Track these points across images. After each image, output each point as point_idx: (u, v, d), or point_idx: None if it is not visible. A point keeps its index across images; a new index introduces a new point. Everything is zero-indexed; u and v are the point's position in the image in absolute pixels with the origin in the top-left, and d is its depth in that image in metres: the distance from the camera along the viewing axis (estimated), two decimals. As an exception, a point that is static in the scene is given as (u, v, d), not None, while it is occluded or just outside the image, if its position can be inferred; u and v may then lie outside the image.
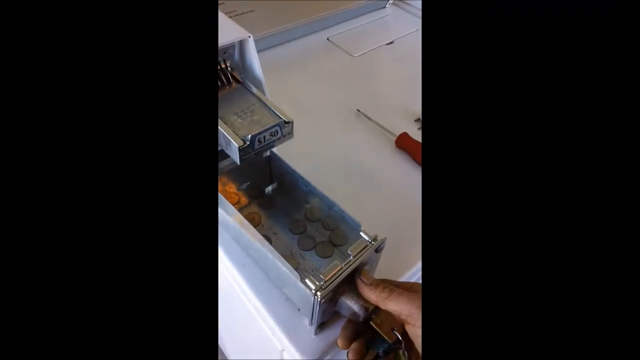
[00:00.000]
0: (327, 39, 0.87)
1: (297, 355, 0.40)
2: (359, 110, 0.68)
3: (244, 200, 0.52)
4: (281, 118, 0.39)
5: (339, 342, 0.38)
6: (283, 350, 0.43)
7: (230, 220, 0.45)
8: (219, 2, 0.78)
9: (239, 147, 0.36)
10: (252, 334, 0.52)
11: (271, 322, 0.42)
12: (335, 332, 0.40)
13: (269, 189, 0.53)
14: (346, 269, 0.37)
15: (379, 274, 0.42)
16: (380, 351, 0.37)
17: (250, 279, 0.44)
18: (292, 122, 0.39)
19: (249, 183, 0.51)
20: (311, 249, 0.48)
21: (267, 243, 0.38)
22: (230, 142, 0.36)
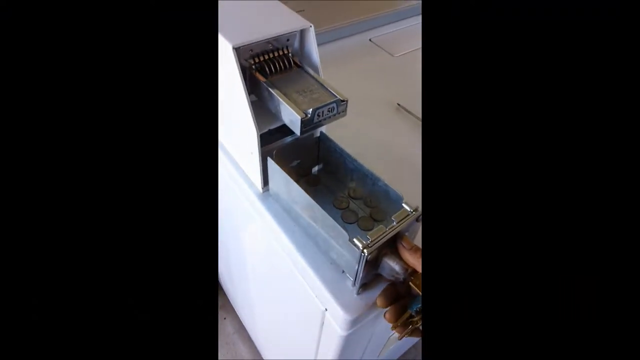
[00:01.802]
0: (369, 39, 0.91)
1: (341, 312, 0.44)
2: (399, 104, 0.72)
3: (292, 177, 0.57)
4: (337, 97, 0.43)
5: (379, 301, 0.42)
6: (326, 310, 0.47)
7: (283, 189, 0.50)
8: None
9: (302, 119, 0.41)
10: (293, 298, 0.57)
11: (317, 282, 0.46)
12: (375, 294, 0.44)
13: (315, 169, 0.58)
14: (389, 233, 0.41)
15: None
16: (414, 311, 0.40)
17: (298, 244, 0.49)
18: (347, 100, 0.44)
19: (298, 162, 0.56)
20: (353, 223, 0.52)
21: (318, 206, 0.43)
22: (294, 114, 0.41)
